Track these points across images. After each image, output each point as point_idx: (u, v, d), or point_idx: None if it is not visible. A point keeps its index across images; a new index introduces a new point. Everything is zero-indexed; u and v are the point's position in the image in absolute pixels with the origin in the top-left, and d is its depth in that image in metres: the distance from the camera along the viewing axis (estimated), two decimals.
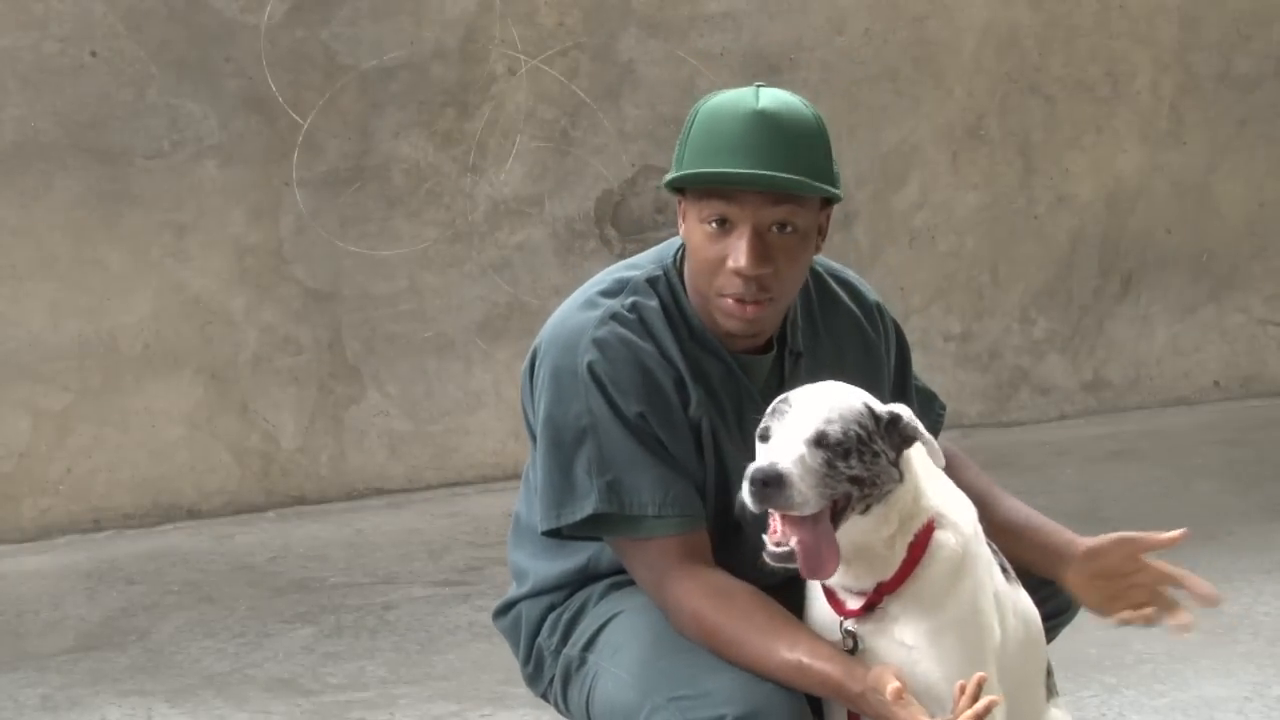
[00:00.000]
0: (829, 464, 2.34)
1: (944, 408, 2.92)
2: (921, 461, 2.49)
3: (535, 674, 2.73)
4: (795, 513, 2.33)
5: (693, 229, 2.53)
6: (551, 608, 2.69)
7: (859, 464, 2.37)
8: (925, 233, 6.14)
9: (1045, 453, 5.89)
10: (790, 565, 2.36)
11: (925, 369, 6.04)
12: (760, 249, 2.48)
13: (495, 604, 2.80)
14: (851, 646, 2.46)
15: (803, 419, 2.37)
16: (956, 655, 2.44)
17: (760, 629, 2.47)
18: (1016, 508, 2.75)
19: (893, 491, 2.43)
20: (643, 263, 2.67)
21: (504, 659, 3.99)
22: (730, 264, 2.48)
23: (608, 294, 2.60)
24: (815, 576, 2.41)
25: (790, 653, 2.43)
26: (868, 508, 2.39)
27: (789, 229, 2.50)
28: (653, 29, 5.70)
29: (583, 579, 2.68)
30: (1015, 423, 6.27)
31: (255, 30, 5.25)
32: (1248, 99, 6.50)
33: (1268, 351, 6.65)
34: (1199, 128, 6.45)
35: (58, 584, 4.77)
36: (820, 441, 2.35)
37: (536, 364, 2.61)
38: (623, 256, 5.53)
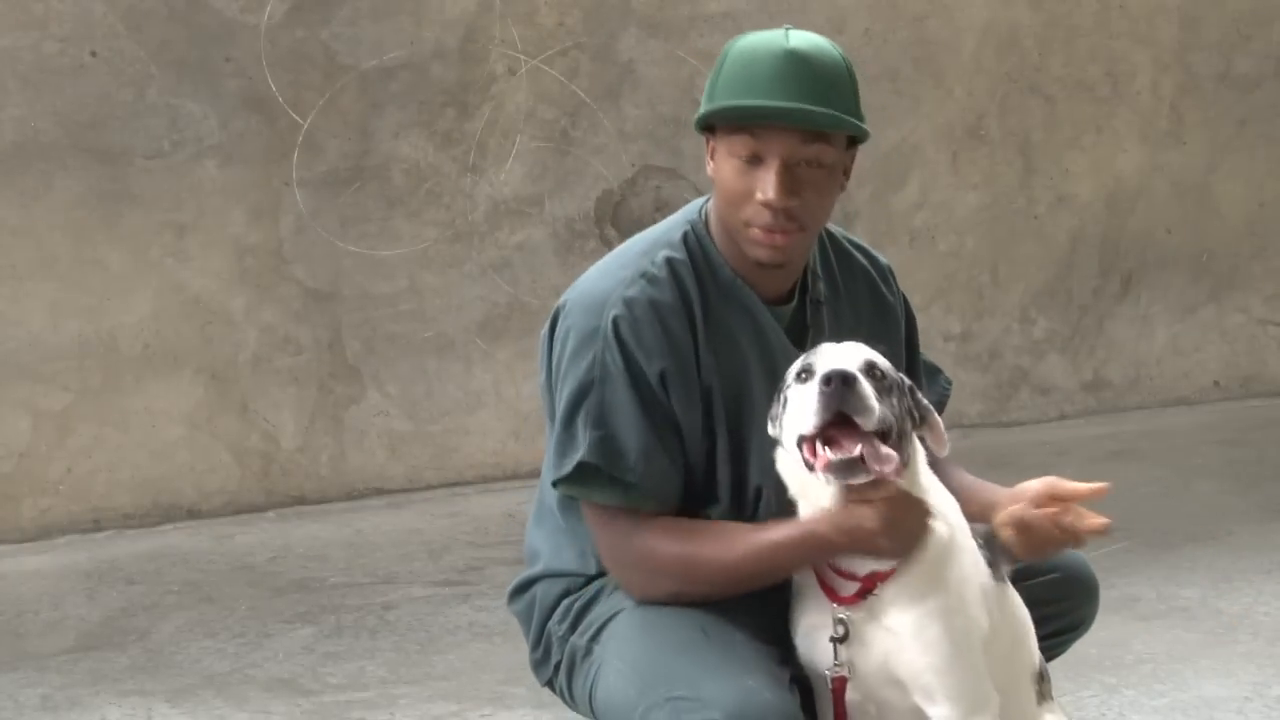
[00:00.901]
0: (877, 392, 2.39)
1: (950, 382, 2.95)
2: (921, 453, 2.53)
3: (542, 659, 2.73)
4: (862, 419, 2.35)
5: (722, 164, 2.56)
6: (567, 592, 2.70)
7: (896, 405, 2.42)
8: (925, 233, 6.15)
9: (1045, 453, 5.89)
10: (853, 476, 2.37)
11: None
12: (789, 181, 2.51)
13: (510, 586, 2.79)
14: (844, 634, 2.47)
15: (847, 353, 2.43)
16: (944, 643, 2.44)
17: (725, 534, 2.54)
18: (962, 475, 2.77)
19: (905, 468, 2.45)
20: (670, 223, 2.70)
21: (504, 659, 4.00)
22: (759, 196, 2.51)
23: (640, 254, 2.62)
24: (887, 474, 2.40)
25: (760, 535, 2.50)
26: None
27: (816, 164, 2.55)
28: (653, 29, 5.70)
29: (591, 577, 2.69)
30: (1015, 423, 6.28)
31: (255, 30, 5.26)
32: (1248, 99, 6.50)
33: (1268, 351, 6.66)
34: (1199, 128, 6.46)
35: (58, 584, 4.77)
36: (870, 370, 2.41)
37: (559, 321, 2.62)
38: None
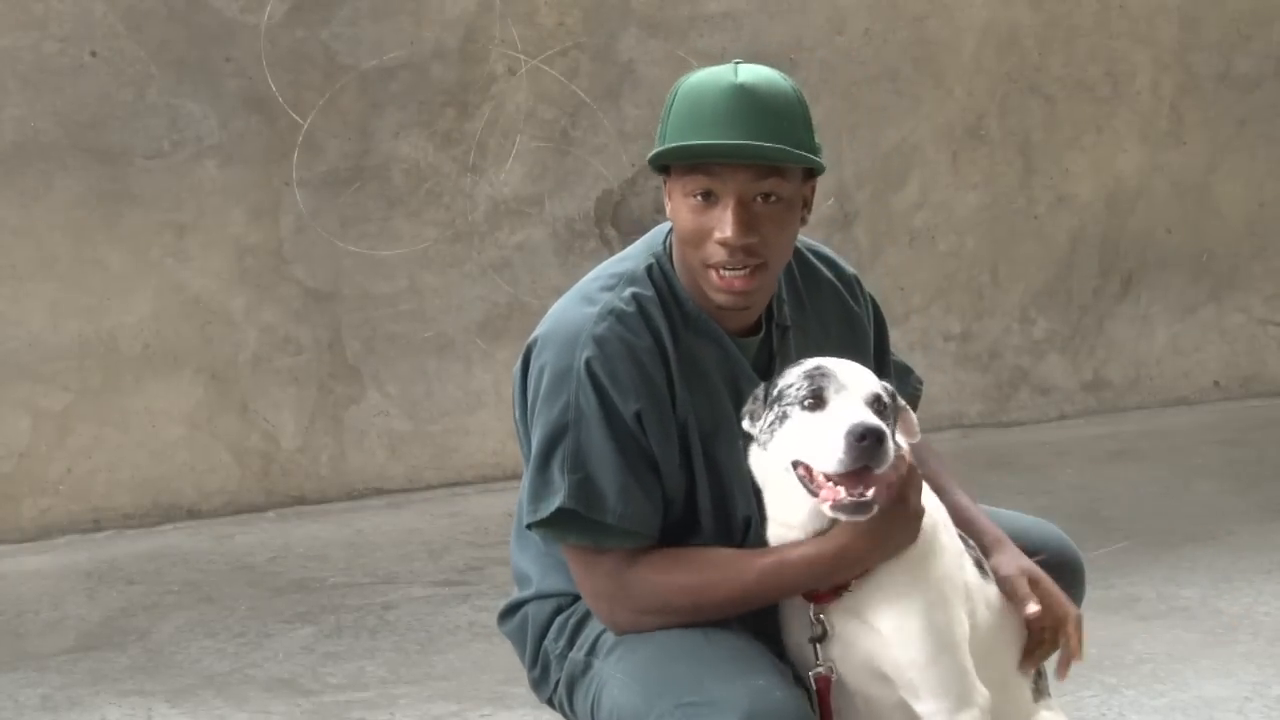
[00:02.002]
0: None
1: (921, 382, 2.95)
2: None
3: (541, 678, 2.72)
4: (882, 469, 2.37)
5: (679, 205, 2.54)
6: (559, 610, 2.69)
7: (891, 430, 2.42)
8: (925, 233, 6.14)
9: (1045, 453, 5.89)
10: (859, 516, 2.38)
11: (925, 369, 6.06)
12: (745, 218, 2.49)
13: (500, 607, 2.79)
14: (821, 632, 2.48)
15: (856, 383, 2.43)
16: (925, 639, 2.45)
17: (725, 561, 2.52)
18: (958, 505, 2.75)
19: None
20: (634, 254, 2.67)
21: (504, 659, 3.99)
22: (717, 235, 2.49)
23: (606, 289, 2.60)
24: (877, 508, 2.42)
25: (763, 559, 2.49)
26: None
27: (773, 198, 2.51)
28: (653, 29, 5.70)
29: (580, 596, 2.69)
30: (1015, 423, 6.27)
31: (255, 30, 5.26)
32: (1248, 99, 6.50)
33: (1268, 351, 6.65)
34: (1199, 128, 6.46)
35: (58, 584, 4.77)
36: (874, 405, 2.41)
37: (531, 359, 2.61)
38: None
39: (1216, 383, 6.59)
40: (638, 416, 2.53)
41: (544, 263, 5.63)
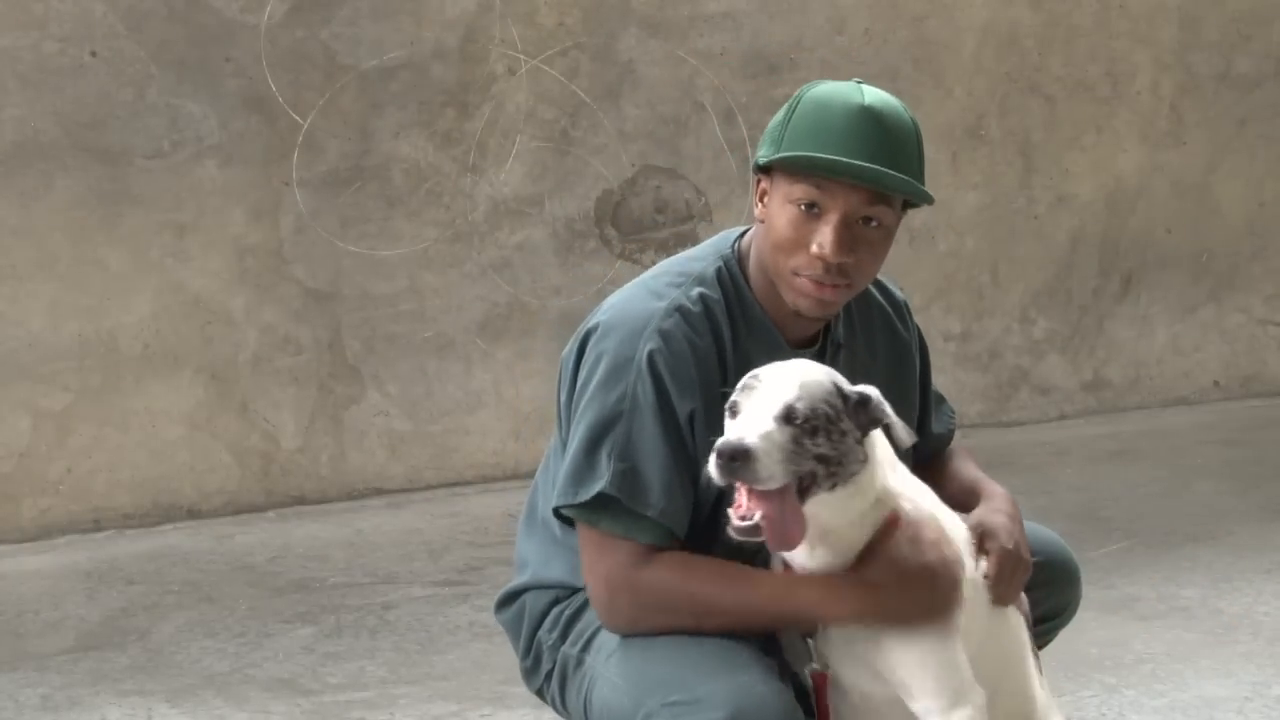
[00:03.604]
0: (796, 440, 2.34)
1: (954, 412, 2.96)
2: (885, 449, 2.49)
3: (533, 668, 2.73)
4: (761, 487, 2.33)
5: (778, 209, 2.54)
6: (556, 601, 2.69)
7: (826, 442, 2.37)
8: (925, 233, 6.14)
9: (1045, 453, 5.89)
10: (754, 538, 2.36)
11: None
12: (846, 238, 2.51)
13: (497, 596, 2.79)
14: (813, 631, 2.48)
15: (771, 395, 2.38)
16: (918, 637, 2.44)
17: (732, 578, 2.50)
18: (962, 469, 2.76)
19: (858, 474, 2.42)
20: (703, 254, 2.67)
21: (504, 659, 4.00)
22: (814, 249, 2.50)
23: (673, 285, 2.60)
24: (781, 548, 2.41)
25: (767, 587, 2.49)
26: (834, 486, 2.39)
27: (874, 223, 2.54)
28: (653, 29, 5.70)
29: (579, 588, 2.68)
30: (1015, 423, 6.27)
31: (255, 30, 5.26)
32: (1248, 99, 6.50)
33: (1268, 351, 6.66)
34: (1199, 128, 6.46)
35: (58, 584, 4.77)
36: (788, 418, 2.36)
37: (589, 345, 2.60)
38: (623, 257, 5.59)
39: (1216, 383, 6.59)
40: (690, 417, 2.53)
41: (544, 263, 5.63)
